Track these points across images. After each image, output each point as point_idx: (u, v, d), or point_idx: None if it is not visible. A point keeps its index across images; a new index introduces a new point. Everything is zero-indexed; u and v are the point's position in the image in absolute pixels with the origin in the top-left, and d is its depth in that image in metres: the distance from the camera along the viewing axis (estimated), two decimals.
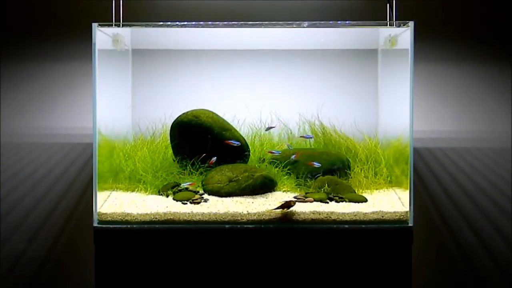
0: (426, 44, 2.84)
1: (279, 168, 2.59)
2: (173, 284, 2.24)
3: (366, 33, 2.85)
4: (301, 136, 2.78)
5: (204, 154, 2.59)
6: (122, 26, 2.46)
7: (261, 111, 2.86)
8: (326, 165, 2.58)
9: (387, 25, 2.52)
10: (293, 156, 2.59)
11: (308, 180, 2.55)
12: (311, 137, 2.77)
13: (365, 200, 2.39)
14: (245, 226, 2.24)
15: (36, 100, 2.90)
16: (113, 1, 2.47)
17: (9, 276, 2.89)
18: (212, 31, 2.81)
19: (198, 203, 2.35)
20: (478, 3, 2.87)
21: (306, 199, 2.37)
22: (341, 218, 2.25)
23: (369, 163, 2.63)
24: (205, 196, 2.44)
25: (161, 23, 2.46)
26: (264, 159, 2.70)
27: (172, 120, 2.67)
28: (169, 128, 2.68)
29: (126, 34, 2.72)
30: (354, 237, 2.23)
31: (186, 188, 2.47)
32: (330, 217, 2.25)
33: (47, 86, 2.89)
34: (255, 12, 2.87)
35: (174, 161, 2.66)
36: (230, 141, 2.59)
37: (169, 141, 2.70)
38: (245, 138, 2.74)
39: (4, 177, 2.89)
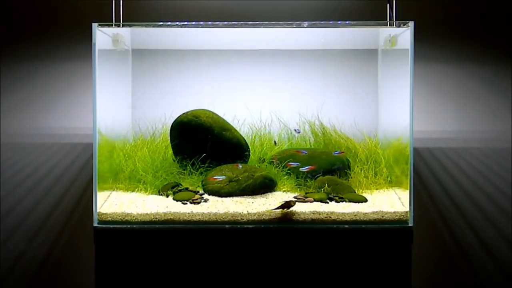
0: (426, 44, 2.84)
1: (279, 168, 2.59)
2: (173, 284, 2.24)
3: (366, 33, 2.85)
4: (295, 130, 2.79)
5: (204, 154, 2.59)
6: (122, 26, 2.46)
7: (261, 111, 2.86)
8: (326, 165, 2.58)
9: (387, 25, 2.52)
10: (305, 168, 2.56)
11: (308, 180, 2.55)
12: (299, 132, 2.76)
13: (365, 200, 2.39)
14: (245, 226, 2.24)
15: (36, 100, 2.90)
16: (113, 1, 2.47)
17: (9, 276, 2.89)
18: (212, 31, 2.81)
19: (198, 203, 2.35)
20: (478, 3, 2.87)
21: (306, 199, 2.37)
22: (341, 218, 2.25)
23: (369, 163, 2.63)
24: (205, 196, 2.44)
25: (161, 23, 2.45)
26: (264, 159, 2.70)
27: (172, 120, 2.67)
28: (169, 128, 2.68)
29: (126, 34, 2.72)
30: (354, 237, 2.23)
31: (185, 189, 2.48)
32: (330, 217, 2.25)
33: (47, 86, 2.89)
34: (255, 12, 2.87)
35: (174, 161, 2.66)
36: (299, 150, 2.60)
37: (169, 141, 2.70)
38: (245, 138, 2.74)
39: (4, 177, 2.89)
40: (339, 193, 2.44)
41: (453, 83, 2.91)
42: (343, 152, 2.63)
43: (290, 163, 2.56)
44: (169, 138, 2.70)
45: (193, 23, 2.43)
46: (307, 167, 2.53)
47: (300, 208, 2.27)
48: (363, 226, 2.24)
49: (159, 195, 2.47)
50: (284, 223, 2.25)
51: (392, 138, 2.59)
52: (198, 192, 2.47)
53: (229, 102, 2.87)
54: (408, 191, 2.26)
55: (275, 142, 2.82)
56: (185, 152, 2.62)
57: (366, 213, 2.25)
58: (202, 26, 2.42)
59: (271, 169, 2.58)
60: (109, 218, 2.26)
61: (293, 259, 2.24)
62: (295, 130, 2.82)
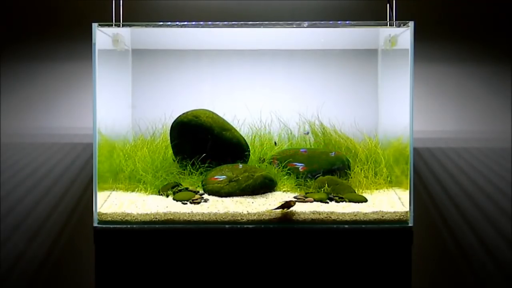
0: (426, 44, 2.84)
1: (279, 168, 2.59)
2: (173, 284, 2.24)
3: (366, 33, 2.85)
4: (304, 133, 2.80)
5: (204, 154, 2.59)
6: (122, 26, 2.46)
7: (261, 111, 2.86)
8: (326, 165, 2.58)
9: (387, 25, 2.52)
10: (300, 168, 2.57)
11: (308, 180, 2.55)
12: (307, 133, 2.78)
13: (365, 200, 2.39)
14: (245, 226, 2.24)
15: (36, 100, 2.90)
16: (113, 1, 2.47)
17: (9, 276, 2.89)
18: (212, 31, 2.81)
19: (198, 203, 2.35)
20: (478, 3, 2.87)
21: (306, 199, 2.37)
22: (341, 218, 2.25)
23: (369, 163, 2.63)
24: (205, 196, 2.44)
25: (161, 23, 2.45)
26: (264, 159, 2.70)
27: (172, 120, 2.67)
28: (169, 128, 2.68)
29: (126, 34, 2.72)
30: (354, 237, 2.23)
31: (185, 189, 2.48)
32: (330, 217, 2.25)
33: (47, 86, 2.89)
34: (255, 12, 2.87)
35: (174, 161, 2.66)
36: (294, 163, 2.61)
37: (169, 141, 2.70)
38: (245, 138, 2.74)
39: (4, 177, 2.89)
40: (339, 193, 2.44)
41: (453, 83, 2.91)
42: (337, 152, 2.64)
43: (294, 163, 2.56)
44: (169, 138, 2.70)
45: (193, 23, 2.43)
46: (301, 166, 2.54)
47: (300, 208, 2.27)
48: (363, 226, 2.24)
49: (159, 195, 2.47)
50: (284, 223, 2.25)
51: (392, 138, 2.59)
52: (198, 192, 2.47)
53: (229, 102, 2.87)
54: (408, 191, 2.26)
55: (275, 142, 2.82)
56: (185, 152, 2.62)
57: (366, 213, 2.25)
58: (202, 26, 2.42)
59: (271, 169, 2.58)
60: (109, 218, 2.26)
61: (293, 259, 2.24)
62: (304, 132, 2.83)
